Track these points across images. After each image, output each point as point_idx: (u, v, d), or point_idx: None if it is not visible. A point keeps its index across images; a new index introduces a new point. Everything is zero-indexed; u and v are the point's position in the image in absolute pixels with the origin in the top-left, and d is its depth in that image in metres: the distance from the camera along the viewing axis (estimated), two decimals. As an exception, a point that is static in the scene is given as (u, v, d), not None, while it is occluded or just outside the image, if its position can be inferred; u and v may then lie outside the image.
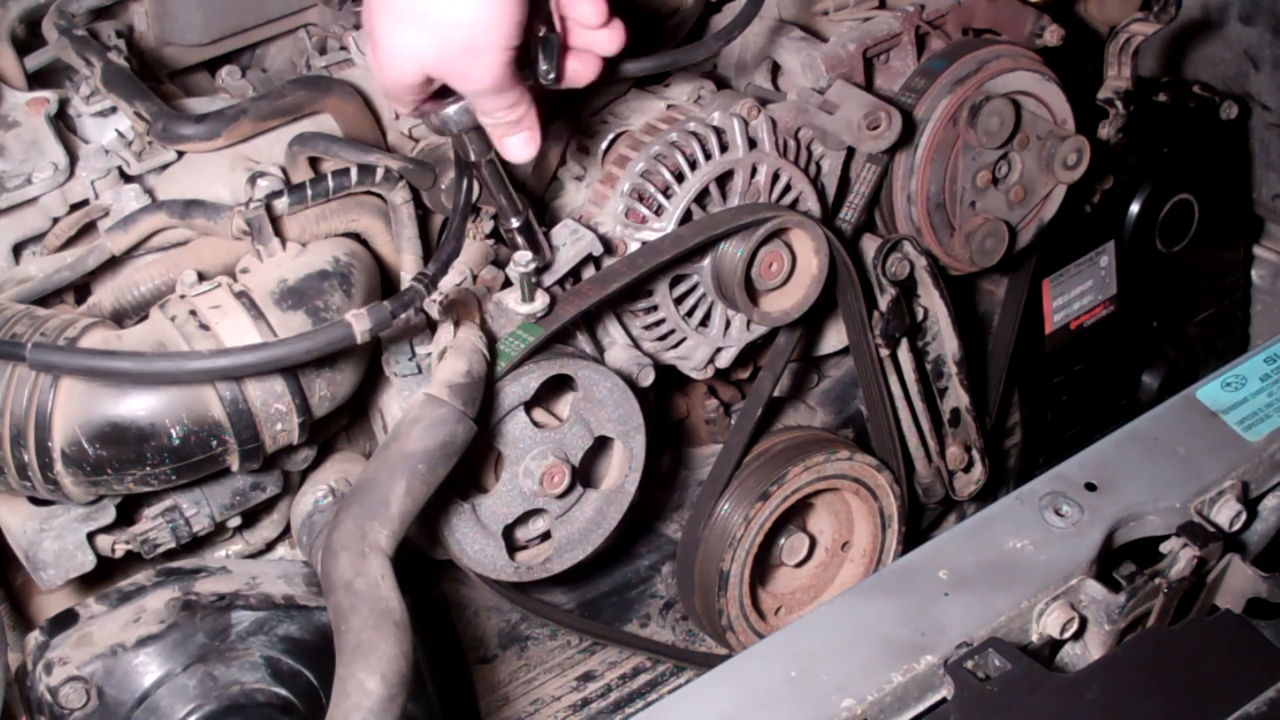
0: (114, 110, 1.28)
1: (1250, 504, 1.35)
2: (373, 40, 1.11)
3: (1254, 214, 2.14)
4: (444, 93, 1.18)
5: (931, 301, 1.58)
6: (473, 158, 1.21)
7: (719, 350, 1.46)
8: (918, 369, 1.60)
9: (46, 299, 1.22)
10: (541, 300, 1.25)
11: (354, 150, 1.25)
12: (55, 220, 1.24)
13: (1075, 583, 1.24)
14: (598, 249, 1.33)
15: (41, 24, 1.33)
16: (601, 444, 1.35)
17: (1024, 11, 1.62)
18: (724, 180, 1.38)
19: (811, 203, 1.43)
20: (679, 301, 1.41)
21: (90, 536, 1.20)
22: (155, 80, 1.37)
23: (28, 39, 1.36)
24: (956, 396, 1.66)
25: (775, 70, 1.53)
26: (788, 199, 1.42)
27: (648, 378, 1.38)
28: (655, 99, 1.44)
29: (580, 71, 1.19)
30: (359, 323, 1.07)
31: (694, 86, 1.45)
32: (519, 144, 1.17)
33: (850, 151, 1.48)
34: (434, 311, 1.17)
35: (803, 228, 1.39)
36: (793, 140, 1.43)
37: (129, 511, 1.24)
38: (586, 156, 1.42)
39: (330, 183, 1.22)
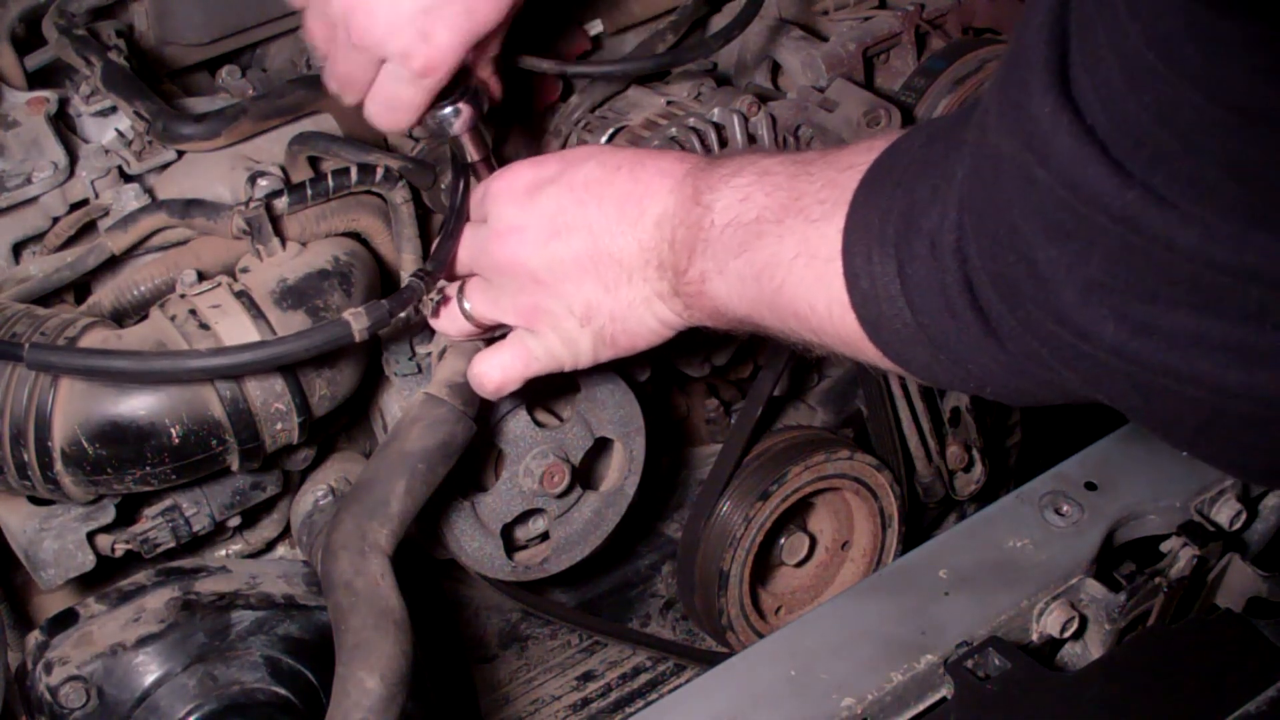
0: (114, 110, 1.28)
1: (1250, 503, 1.35)
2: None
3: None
4: (441, 94, 1.18)
5: (932, 301, 1.57)
6: (470, 159, 1.21)
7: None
8: (918, 368, 1.59)
9: (46, 298, 1.22)
10: (541, 299, 1.25)
11: (354, 149, 1.25)
12: (55, 220, 1.23)
13: (1075, 582, 1.24)
14: (598, 248, 1.33)
15: (41, 23, 1.33)
16: (602, 445, 1.35)
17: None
18: (724, 179, 1.37)
19: (811, 202, 1.43)
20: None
21: (90, 536, 1.20)
22: (155, 80, 1.37)
23: (28, 38, 1.35)
24: (957, 395, 1.65)
25: (775, 70, 1.53)
26: (788, 198, 1.41)
27: (643, 372, 1.38)
28: (655, 95, 1.43)
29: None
30: (357, 321, 1.07)
31: (694, 83, 1.45)
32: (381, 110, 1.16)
33: (850, 150, 1.48)
34: (429, 310, 1.17)
35: (803, 227, 1.38)
36: (792, 138, 1.42)
37: (129, 511, 1.24)
38: (586, 155, 1.42)
39: (330, 182, 1.22)
